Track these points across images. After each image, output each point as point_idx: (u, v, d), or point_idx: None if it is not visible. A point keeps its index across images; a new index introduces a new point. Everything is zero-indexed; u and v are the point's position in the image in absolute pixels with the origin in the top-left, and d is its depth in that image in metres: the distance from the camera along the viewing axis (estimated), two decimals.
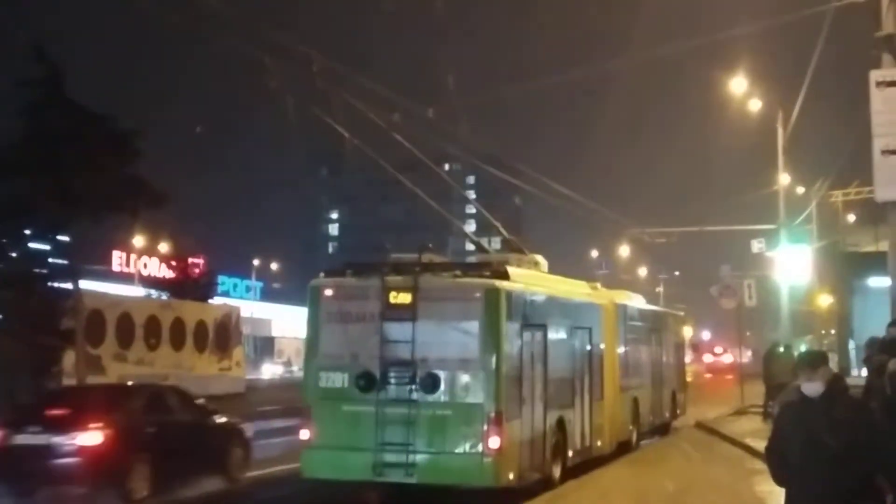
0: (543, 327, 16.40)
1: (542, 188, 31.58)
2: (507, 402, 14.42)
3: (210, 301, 50.38)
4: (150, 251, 64.68)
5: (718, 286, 33.67)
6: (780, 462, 6.67)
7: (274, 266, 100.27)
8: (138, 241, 63.98)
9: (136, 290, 54.31)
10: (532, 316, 15.93)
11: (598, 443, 19.25)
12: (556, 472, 16.53)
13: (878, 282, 23.78)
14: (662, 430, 26.19)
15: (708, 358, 53.50)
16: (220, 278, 68.49)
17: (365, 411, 14.38)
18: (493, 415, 14.05)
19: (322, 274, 16.06)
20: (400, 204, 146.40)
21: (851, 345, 31.75)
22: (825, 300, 47.84)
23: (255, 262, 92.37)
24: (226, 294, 73.96)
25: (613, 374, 20.65)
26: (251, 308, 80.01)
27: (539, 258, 18.96)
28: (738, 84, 32.12)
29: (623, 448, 21.27)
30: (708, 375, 57.55)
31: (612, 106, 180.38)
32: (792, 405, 6.86)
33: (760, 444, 7.20)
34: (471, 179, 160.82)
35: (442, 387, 14.27)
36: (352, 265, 15.88)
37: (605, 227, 53.50)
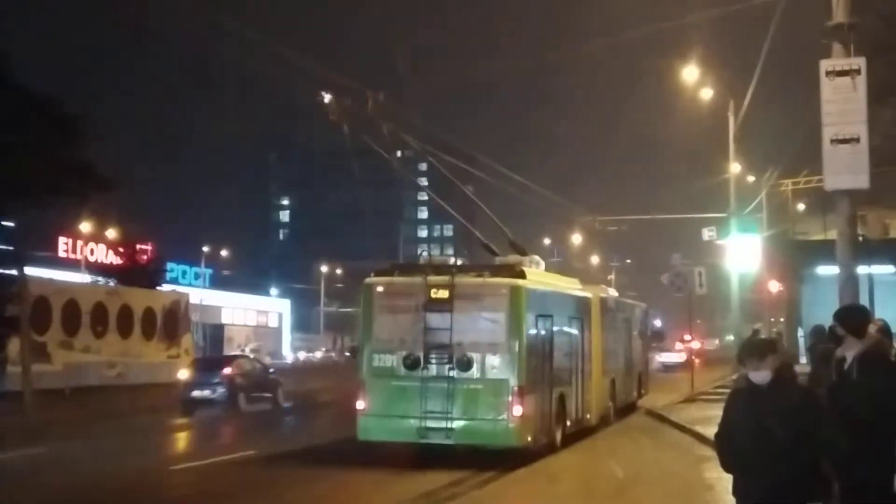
0: (551, 317, 19.84)
1: (495, 176, 31.65)
2: (526, 378, 17.68)
3: (158, 288, 49.97)
4: (97, 237, 63.92)
5: (669, 274, 33.91)
6: (728, 449, 6.73)
7: (224, 253, 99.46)
8: (85, 226, 63.22)
9: (83, 277, 53.74)
10: (543, 308, 19.35)
11: (588, 415, 22.60)
12: (558, 437, 19.77)
13: (827, 270, 24.08)
14: (631, 408, 28.93)
15: (678, 346, 54.52)
16: (169, 265, 67.84)
17: (411, 386, 17.65)
18: (516, 388, 17.39)
19: (373, 274, 19.01)
20: (350, 190, 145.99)
21: (800, 332, 32.10)
22: (774, 288, 48.35)
23: (205, 248, 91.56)
24: (174, 281, 73.28)
25: (599, 357, 23.97)
26: (200, 295, 79.38)
27: (538, 258, 22.00)
28: (690, 73, 32.34)
29: (604, 421, 24.36)
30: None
31: (564, 94, 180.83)
32: (741, 392, 6.94)
33: (709, 431, 7.28)
34: (423, 166, 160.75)
35: (475, 366, 17.59)
36: (398, 266, 19.58)
37: (557, 215, 53.87)
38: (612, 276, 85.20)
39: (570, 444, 20.04)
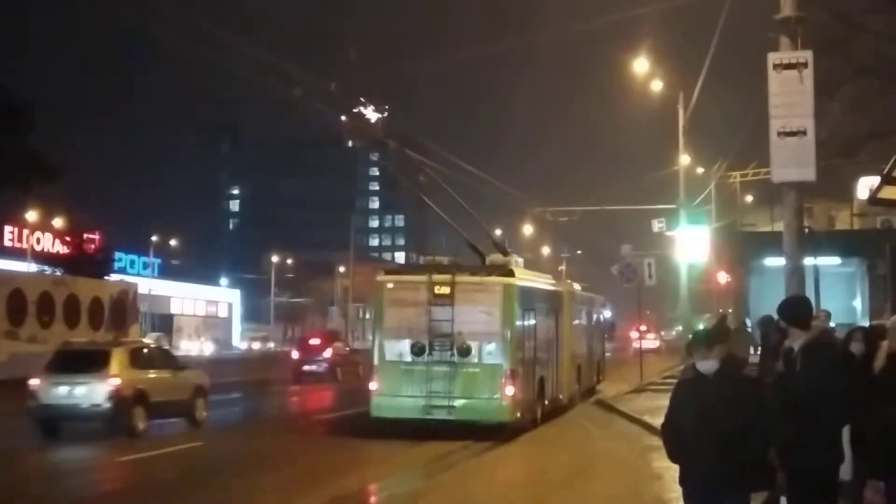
0: (534, 310, 22.62)
1: (448, 166, 31.64)
2: (517, 363, 20.55)
3: (106, 278, 49.40)
4: (43, 226, 63.10)
5: (619, 265, 34.07)
6: (674, 438, 6.78)
7: (173, 242, 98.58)
8: (31, 215, 62.43)
9: (29, 266, 53.04)
10: (529, 303, 22.12)
11: (560, 396, 25.37)
12: (539, 414, 22.51)
13: (774, 261, 24.23)
14: (591, 391, 31.20)
15: (634, 335, 55.36)
16: (117, 254, 67.19)
17: (418, 369, 20.34)
18: (509, 372, 20.21)
19: (384, 272, 22.24)
20: (301, 180, 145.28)
21: (748, 323, 32.35)
22: (722, 279, 48.73)
23: (154, 238, 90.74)
24: (122, 270, 72.56)
25: (569, 345, 26.60)
26: (149, 285, 78.66)
27: (518, 257, 24.66)
28: (640, 65, 32.48)
29: (571, 402, 26.85)
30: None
31: (518, 87, 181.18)
32: (687, 382, 6.98)
33: (658, 421, 7.31)
34: (374, 156, 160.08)
35: (473, 352, 20.29)
36: (406, 266, 24.81)
37: (509, 206, 53.97)
38: (562, 267, 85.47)
39: (547, 420, 22.92)
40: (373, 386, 20.87)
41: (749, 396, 6.61)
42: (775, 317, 9.78)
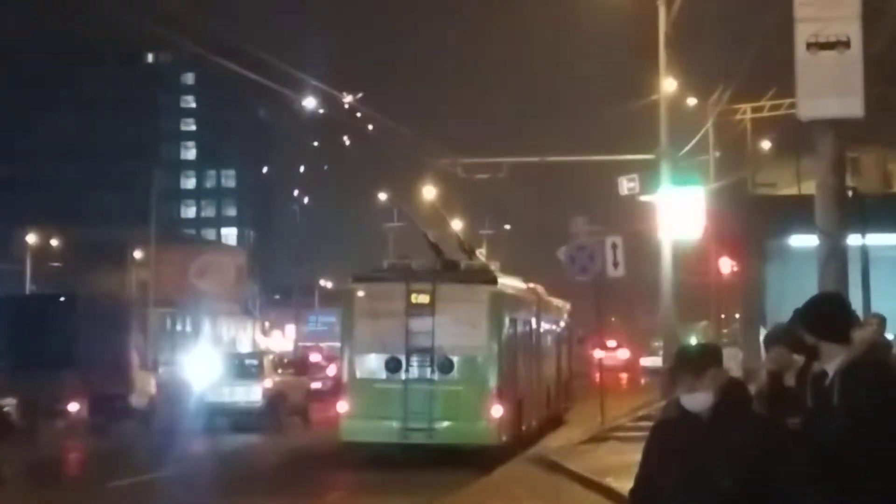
0: (515, 321, 29.65)
1: (302, 91, 31.48)
2: (503, 381, 26.82)
3: None
4: None
5: (569, 247, 34.21)
6: None
7: None
8: None
9: None
10: (512, 312, 29.24)
11: (533, 422, 32.11)
12: (517, 437, 28.66)
13: (803, 240, 24.58)
14: (558, 419, 37.65)
15: (599, 353, 56.78)
16: None
17: (394, 388, 26.47)
18: (495, 390, 26.51)
19: (352, 279, 28.88)
20: (72, 114, 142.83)
21: (763, 334, 32.87)
22: (726, 267, 49.21)
23: None
24: None
25: (539, 363, 34.05)
26: None
27: (495, 262, 34.41)
28: None
29: (541, 429, 33.23)
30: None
31: None
32: (669, 425, 6.98)
33: (627, 486, 7.43)
34: (188, 78, 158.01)
35: (455, 368, 26.58)
36: (378, 271, 28.69)
37: (402, 156, 53.79)
38: (482, 250, 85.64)
39: (525, 447, 28.88)
40: (342, 407, 27.19)
41: (760, 445, 6.64)
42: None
